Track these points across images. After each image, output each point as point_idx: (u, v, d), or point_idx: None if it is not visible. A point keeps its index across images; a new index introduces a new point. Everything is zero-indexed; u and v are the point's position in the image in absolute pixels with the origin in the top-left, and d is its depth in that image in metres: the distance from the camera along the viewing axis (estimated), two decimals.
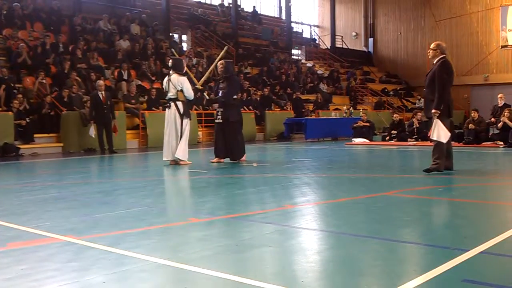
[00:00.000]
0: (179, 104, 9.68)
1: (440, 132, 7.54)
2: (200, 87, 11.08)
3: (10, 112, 13.15)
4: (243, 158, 10.25)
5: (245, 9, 31.13)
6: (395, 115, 17.34)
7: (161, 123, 16.33)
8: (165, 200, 6.06)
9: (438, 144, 7.70)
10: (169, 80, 9.75)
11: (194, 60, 21.59)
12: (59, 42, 17.60)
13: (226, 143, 10.08)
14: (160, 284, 3.06)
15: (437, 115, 7.57)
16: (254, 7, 31.75)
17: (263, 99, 20.98)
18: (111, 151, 13.41)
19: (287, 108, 21.26)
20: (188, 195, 6.60)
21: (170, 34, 23.94)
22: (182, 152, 9.67)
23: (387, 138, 16.08)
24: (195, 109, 17.88)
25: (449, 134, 7.67)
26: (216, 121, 10.21)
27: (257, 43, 28.17)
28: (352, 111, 20.33)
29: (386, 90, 29.80)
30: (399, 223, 4.64)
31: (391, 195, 6.15)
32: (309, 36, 35.38)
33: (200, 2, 29.41)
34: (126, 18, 21.99)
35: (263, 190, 6.43)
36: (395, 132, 16.02)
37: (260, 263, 3.48)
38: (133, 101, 16.37)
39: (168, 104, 9.81)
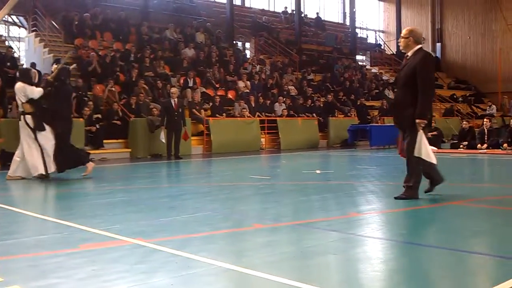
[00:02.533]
0: (28, 118, 8.79)
1: (424, 149, 5.89)
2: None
3: (81, 119, 13.67)
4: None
5: (308, 16, 31.09)
6: (464, 123, 16.78)
7: (225, 129, 16.77)
8: (229, 205, 6.13)
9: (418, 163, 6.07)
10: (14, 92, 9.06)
11: (257, 67, 21.76)
12: (131, 52, 18.20)
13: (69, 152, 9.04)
14: None
15: (423, 125, 5.89)
16: (317, 13, 31.66)
17: (327, 106, 20.84)
18: (177, 157, 13.69)
19: (351, 114, 21.02)
20: (252, 201, 6.63)
21: (234, 41, 24.24)
22: (52, 164, 8.83)
23: (461, 146, 15.48)
24: (258, 116, 18.00)
25: (432, 155, 6.05)
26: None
27: (321, 50, 28.04)
28: None
29: (455, 96, 28.94)
30: (468, 233, 4.49)
31: (460, 205, 5.95)
32: (374, 42, 34.90)
33: (263, 9, 29.64)
34: (191, 26, 22.45)
35: (327, 198, 6.38)
36: (466, 142, 15.42)
37: (325, 270, 3.45)
38: (197, 107, 16.67)
39: (19, 117, 8.97)
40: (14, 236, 4.48)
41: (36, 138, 8.76)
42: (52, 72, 9.24)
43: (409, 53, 6.02)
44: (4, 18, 18.50)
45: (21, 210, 5.78)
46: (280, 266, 3.45)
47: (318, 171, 9.65)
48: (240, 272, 3.31)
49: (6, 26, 20.67)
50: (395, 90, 6.27)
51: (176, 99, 13.87)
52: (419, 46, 6.01)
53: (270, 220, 5.08)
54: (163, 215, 5.44)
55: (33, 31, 19.17)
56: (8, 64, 15.51)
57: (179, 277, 3.20)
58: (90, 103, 14.62)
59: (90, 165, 9.15)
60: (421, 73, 5.81)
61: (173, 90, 14.31)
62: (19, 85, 8.88)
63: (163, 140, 13.83)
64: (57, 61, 16.43)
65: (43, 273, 3.36)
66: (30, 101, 8.81)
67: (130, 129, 14.85)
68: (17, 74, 9.23)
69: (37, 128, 8.77)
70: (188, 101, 16.70)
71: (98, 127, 14.21)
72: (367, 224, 4.92)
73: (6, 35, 20.23)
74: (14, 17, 20.56)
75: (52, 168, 8.83)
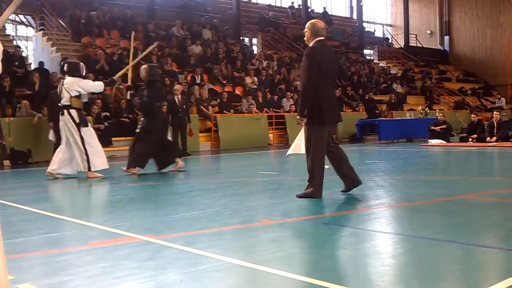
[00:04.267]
0: (73, 112, 8.68)
1: (297, 143, 5.66)
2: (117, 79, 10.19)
3: (89, 117, 13.71)
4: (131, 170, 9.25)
5: (315, 10, 31.00)
6: (472, 116, 16.69)
7: (233, 125, 16.78)
8: (238, 201, 6.13)
9: (312, 162, 5.99)
10: (62, 84, 8.86)
11: (265, 63, 21.73)
12: (139, 50, 18.18)
13: (146, 152, 9.26)
14: (235, 284, 3.10)
15: (302, 122, 5.86)
16: (324, 8, 31.57)
17: None
18: (185, 153, 13.71)
19: (359, 109, 20.96)
20: (260, 196, 6.63)
21: (241, 38, 24.22)
22: (96, 163, 8.79)
23: (470, 140, 15.40)
24: (266, 112, 17.98)
25: (302, 150, 5.62)
26: (136, 131, 9.48)
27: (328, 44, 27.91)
28: (428, 111, 19.77)
29: (464, 89, 28.78)
30: (478, 227, 4.46)
31: (470, 198, 5.92)
32: (381, 36, 34.75)
33: (270, 5, 29.58)
34: (198, 23, 22.45)
35: (336, 193, 6.36)
36: (475, 135, 15.33)
37: (335, 265, 3.44)
38: (205, 104, 16.68)
39: (61, 112, 8.78)
40: (24, 234, 4.50)
41: (80, 134, 8.69)
42: (142, 73, 9.43)
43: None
44: (11, 17, 18.58)
45: (30, 208, 5.81)
46: (289, 262, 3.45)
47: (326, 166, 9.61)
48: (249, 268, 3.31)
49: (14, 26, 20.75)
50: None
51: (179, 96, 13.88)
52: (317, 39, 5.91)
53: (279, 216, 5.07)
54: (172, 211, 5.45)
55: (40, 30, 19.23)
56: (16, 63, 15.59)
57: (188, 273, 3.21)
58: (99, 101, 14.65)
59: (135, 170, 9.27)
60: (301, 69, 5.84)
61: (177, 87, 14.32)
62: (71, 79, 8.77)
63: (169, 138, 13.84)
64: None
65: (53, 270, 3.38)
66: (79, 96, 8.81)
67: None
68: (65, 67, 9.11)
69: (81, 123, 8.74)
70: (195, 98, 16.72)
71: (106, 125, 14.25)
72: (376, 219, 4.91)
73: (14, 34, 20.32)
74: (21, 16, 20.65)
75: (97, 165, 8.78)
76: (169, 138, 13.77)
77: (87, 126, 8.92)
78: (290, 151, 5.69)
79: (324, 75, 5.82)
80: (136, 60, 10.31)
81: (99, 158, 8.88)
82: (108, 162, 9.24)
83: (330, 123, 6.00)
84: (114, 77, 9.90)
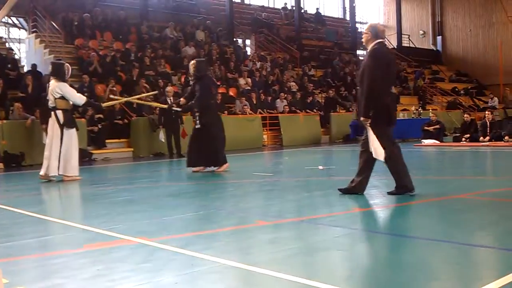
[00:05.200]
0: (59, 113, 8.66)
1: (374, 148, 5.72)
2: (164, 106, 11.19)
3: (83, 119, 13.68)
4: (222, 168, 9.41)
5: (308, 11, 31.03)
6: (465, 116, 16.74)
7: (227, 127, 16.60)
8: (233, 202, 6.13)
9: (389, 161, 5.95)
10: (48, 86, 8.87)
11: (258, 64, 21.74)
12: (132, 52, 18.17)
13: (203, 149, 9.28)
14: (230, 286, 3.09)
15: (367, 123, 5.78)
16: (317, 9, 31.60)
17: (328, 101, 20.82)
18: (179, 155, 13.70)
19: (353, 109, 20.99)
20: (255, 198, 6.63)
21: (234, 39, 24.21)
22: (66, 168, 8.65)
23: (463, 139, 15.42)
24: (260, 113, 17.98)
25: (382, 152, 5.73)
26: (197, 126, 9.44)
27: (321, 45, 27.98)
28: (421, 111, 19.81)
29: (457, 89, 28.88)
30: (473, 226, 4.48)
31: (464, 198, 5.94)
32: None
33: (263, 6, 29.59)
34: (191, 25, 22.42)
35: (330, 193, 6.37)
36: (468, 136, 15.37)
37: (330, 266, 3.45)
38: None
39: (50, 114, 8.79)
40: (18, 238, 4.48)
41: (62, 137, 8.60)
42: (190, 68, 9.62)
43: (368, 48, 5.97)
44: (4, 20, 18.50)
45: (24, 211, 5.79)
46: (285, 263, 3.44)
47: (320, 167, 9.63)
48: (244, 270, 3.31)
49: (6, 28, 20.67)
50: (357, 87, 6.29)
51: (171, 98, 13.88)
52: (377, 41, 5.91)
53: (274, 217, 5.07)
54: (166, 213, 5.44)
55: (33, 32, 19.15)
56: (9, 66, 15.52)
57: (183, 276, 3.20)
58: None
59: (225, 165, 9.40)
60: (366, 70, 5.80)
61: (168, 89, 14.34)
62: (55, 83, 8.70)
63: (163, 140, 13.91)
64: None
65: (48, 273, 3.36)
66: (63, 97, 8.68)
67: (132, 129, 14.87)
68: (50, 68, 9.06)
69: (66, 124, 8.66)
70: None
71: (100, 127, 14.22)
72: (371, 219, 4.92)
73: (7, 37, 20.24)
74: (14, 19, 20.57)
75: (61, 171, 8.62)
76: (163, 139, 13.81)
77: (72, 128, 8.79)
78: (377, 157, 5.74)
79: (391, 76, 6.02)
80: (130, 98, 11.08)
81: (69, 165, 8.71)
82: (101, 164, 9.20)
83: (394, 124, 6.02)
84: (102, 104, 10.24)
